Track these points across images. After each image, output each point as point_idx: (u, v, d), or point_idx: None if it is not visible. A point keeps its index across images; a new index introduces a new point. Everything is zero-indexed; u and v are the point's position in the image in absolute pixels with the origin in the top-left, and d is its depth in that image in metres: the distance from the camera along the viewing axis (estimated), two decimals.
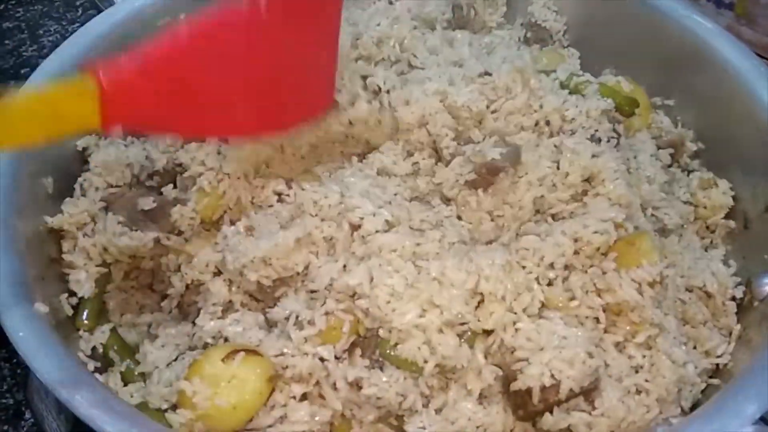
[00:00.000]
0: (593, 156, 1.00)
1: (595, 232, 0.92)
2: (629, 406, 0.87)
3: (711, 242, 1.14)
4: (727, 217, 1.14)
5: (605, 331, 0.92)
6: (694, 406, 0.93)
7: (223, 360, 0.84)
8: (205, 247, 0.97)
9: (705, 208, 1.13)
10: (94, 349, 0.95)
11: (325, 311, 0.88)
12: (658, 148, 1.18)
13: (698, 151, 1.21)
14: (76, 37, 1.15)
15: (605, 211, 0.95)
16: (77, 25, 1.68)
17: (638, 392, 0.89)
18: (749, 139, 1.11)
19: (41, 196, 1.01)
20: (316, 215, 0.94)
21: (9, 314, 0.85)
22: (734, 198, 1.13)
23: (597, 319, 0.91)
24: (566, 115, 1.06)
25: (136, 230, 0.98)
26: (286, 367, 0.86)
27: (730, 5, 1.52)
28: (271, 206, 0.98)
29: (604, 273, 0.92)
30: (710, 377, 0.96)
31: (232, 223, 0.98)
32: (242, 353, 0.85)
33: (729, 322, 1.02)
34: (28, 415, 1.11)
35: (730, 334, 1.00)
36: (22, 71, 1.58)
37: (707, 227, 1.15)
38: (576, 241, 0.92)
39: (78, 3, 1.76)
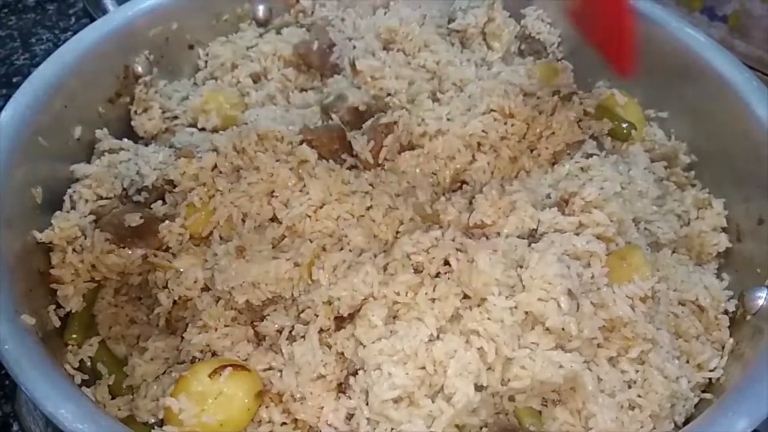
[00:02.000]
0: (584, 169, 0.99)
1: (586, 251, 0.92)
2: (623, 422, 0.86)
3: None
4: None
5: (598, 346, 0.91)
6: (687, 422, 0.92)
7: (210, 375, 0.83)
8: (193, 263, 0.96)
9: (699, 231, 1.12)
10: (81, 361, 0.94)
11: (319, 328, 0.87)
12: (652, 160, 1.17)
13: (692, 164, 1.20)
14: (68, 45, 1.14)
15: (596, 226, 0.94)
16: (70, 33, 1.68)
17: (631, 408, 0.88)
18: (742, 152, 1.11)
19: (30, 206, 1.00)
20: (309, 238, 0.94)
21: None
22: (727, 212, 1.12)
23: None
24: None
25: (124, 247, 0.97)
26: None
27: (724, 18, 1.52)
28: (261, 226, 0.98)
29: (598, 289, 0.91)
30: (703, 392, 0.95)
31: (222, 238, 0.97)
32: (229, 368, 0.84)
33: (722, 335, 1.01)
34: (15, 428, 1.09)
35: (723, 347, 1.00)
36: (14, 80, 1.57)
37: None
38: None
39: (71, 12, 1.76)
